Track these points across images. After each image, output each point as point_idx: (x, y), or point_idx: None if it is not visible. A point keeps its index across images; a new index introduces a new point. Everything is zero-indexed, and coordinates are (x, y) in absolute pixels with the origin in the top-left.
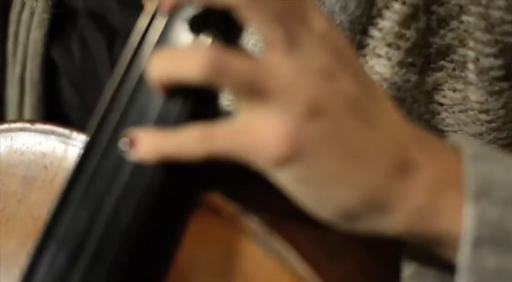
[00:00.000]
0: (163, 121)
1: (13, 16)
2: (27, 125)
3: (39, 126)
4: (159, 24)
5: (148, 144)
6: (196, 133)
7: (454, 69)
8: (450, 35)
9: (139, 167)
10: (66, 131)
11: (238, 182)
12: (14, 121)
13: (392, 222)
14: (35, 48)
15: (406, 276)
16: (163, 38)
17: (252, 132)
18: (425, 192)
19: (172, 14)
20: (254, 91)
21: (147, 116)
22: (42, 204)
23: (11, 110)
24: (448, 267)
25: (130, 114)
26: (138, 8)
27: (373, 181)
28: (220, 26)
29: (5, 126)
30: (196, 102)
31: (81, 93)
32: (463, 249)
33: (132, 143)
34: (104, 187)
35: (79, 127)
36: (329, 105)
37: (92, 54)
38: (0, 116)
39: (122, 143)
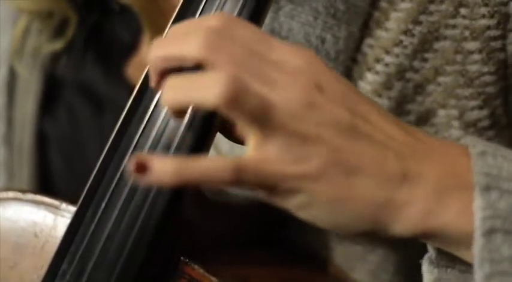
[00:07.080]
0: None
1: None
2: (19, 195)
3: (31, 196)
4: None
5: (165, 167)
6: (223, 163)
7: (436, 132)
8: (428, 99)
9: (123, 245)
10: (56, 202)
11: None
12: (6, 190)
13: (403, 227)
14: (27, 118)
15: None
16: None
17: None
18: (430, 196)
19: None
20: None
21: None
22: (32, 271)
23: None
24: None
25: (116, 198)
26: (122, 79)
27: (377, 195)
28: None
29: None
30: None
31: (68, 162)
32: (476, 241)
33: (142, 168)
34: (90, 263)
35: (64, 193)
36: (318, 135)
37: (79, 124)
38: None
39: (130, 167)
